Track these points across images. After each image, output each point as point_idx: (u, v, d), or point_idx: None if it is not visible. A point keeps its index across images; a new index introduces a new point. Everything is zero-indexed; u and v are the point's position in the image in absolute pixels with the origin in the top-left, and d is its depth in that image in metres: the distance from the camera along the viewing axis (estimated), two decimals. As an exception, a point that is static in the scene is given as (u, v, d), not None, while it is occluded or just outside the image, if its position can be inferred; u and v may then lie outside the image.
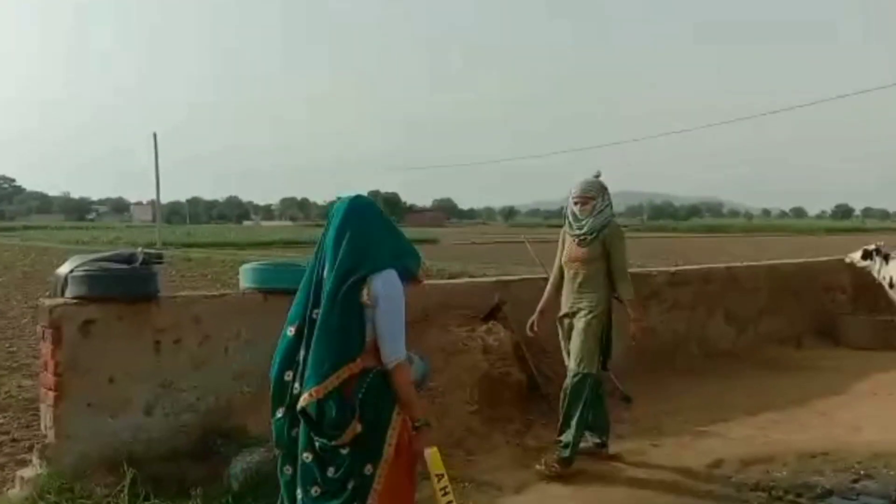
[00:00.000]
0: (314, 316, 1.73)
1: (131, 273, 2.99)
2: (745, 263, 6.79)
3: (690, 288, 5.55)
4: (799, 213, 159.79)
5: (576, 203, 3.25)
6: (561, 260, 3.35)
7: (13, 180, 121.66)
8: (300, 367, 1.72)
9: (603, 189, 3.25)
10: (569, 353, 3.27)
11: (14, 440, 3.65)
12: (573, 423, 3.13)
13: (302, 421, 1.72)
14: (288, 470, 1.80)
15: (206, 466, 2.92)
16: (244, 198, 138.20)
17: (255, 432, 3.10)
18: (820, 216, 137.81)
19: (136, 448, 2.91)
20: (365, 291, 1.69)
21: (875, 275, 5.79)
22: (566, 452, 3.12)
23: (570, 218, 3.28)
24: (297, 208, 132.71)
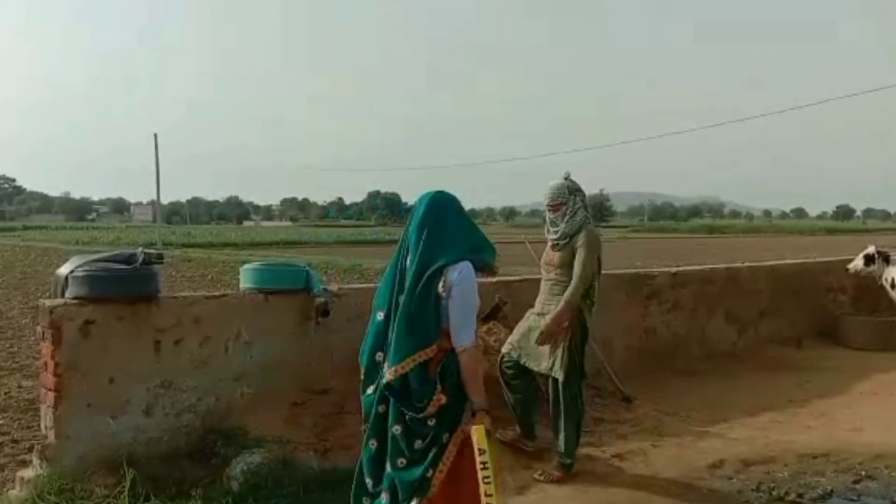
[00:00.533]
0: (399, 301, 1.89)
1: (131, 273, 2.98)
2: (745, 264, 6.78)
3: (691, 288, 5.54)
4: (800, 213, 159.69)
5: (548, 210, 3.25)
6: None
7: (13, 180, 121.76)
8: (388, 348, 1.89)
9: (574, 191, 3.19)
10: (519, 347, 3.28)
11: (14, 441, 3.65)
12: (562, 426, 3.12)
13: (391, 397, 1.88)
14: (373, 444, 1.96)
15: (206, 467, 2.92)
16: (244, 198, 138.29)
17: (255, 433, 3.10)
18: (821, 217, 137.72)
19: (136, 448, 2.91)
20: (441, 282, 1.84)
21: (877, 278, 5.79)
22: (567, 460, 3.12)
23: (547, 223, 3.30)
24: (297, 209, 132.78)
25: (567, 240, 3.16)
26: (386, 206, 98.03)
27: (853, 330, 6.12)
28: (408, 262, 1.91)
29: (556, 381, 3.12)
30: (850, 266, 6.08)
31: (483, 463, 1.83)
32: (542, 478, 3.08)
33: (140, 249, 3.16)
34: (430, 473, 1.87)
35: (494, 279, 4.77)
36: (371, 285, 3.96)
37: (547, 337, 3.11)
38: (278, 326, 3.37)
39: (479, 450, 1.83)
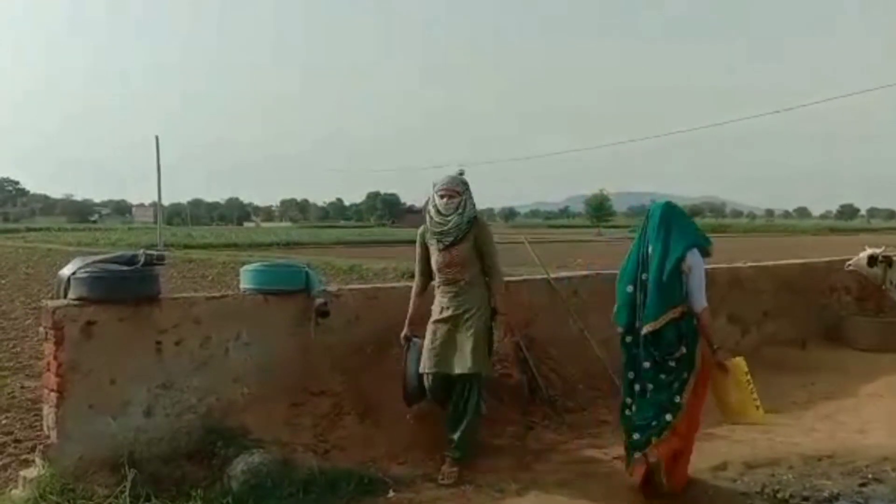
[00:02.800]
0: (643, 278, 2.81)
1: (133, 275, 2.99)
2: (748, 264, 6.75)
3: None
4: (803, 212, 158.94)
5: (442, 196, 3.06)
6: (431, 266, 3.15)
7: (17, 182, 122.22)
8: (640, 310, 2.80)
9: (468, 187, 3.12)
10: (438, 356, 3.09)
11: (17, 441, 3.65)
12: (466, 421, 3.09)
13: (643, 342, 2.78)
14: (631, 374, 2.91)
15: (206, 467, 2.92)
16: (245, 199, 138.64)
17: (255, 433, 3.10)
18: (824, 216, 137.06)
19: (137, 449, 2.91)
20: (684, 264, 2.74)
21: (880, 282, 5.72)
22: (457, 454, 3.07)
23: (433, 213, 3.09)
24: (297, 210, 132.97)
25: (463, 233, 3.06)
26: (385, 207, 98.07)
27: (858, 331, 6.07)
28: (650, 250, 2.80)
29: (473, 378, 3.08)
30: (851, 262, 6.01)
31: (748, 381, 2.82)
32: (444, 480, 2.97)
33: (141, 251, 3.16)
34: (677, 399, 2.77)
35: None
36: (371, 286, 3.95)
37: (507, 332, 3.32)
38: (278, 327, 3.37)
39: (745, 372, 2.83)
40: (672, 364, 2.78)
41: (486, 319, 3.12)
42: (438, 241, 3.10)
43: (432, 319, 3.15)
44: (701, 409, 2.89)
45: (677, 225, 2.83)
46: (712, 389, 2.89)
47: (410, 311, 3.27)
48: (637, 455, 2.83)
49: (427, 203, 3.17)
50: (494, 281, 3.16)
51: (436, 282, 3.19)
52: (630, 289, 2.85)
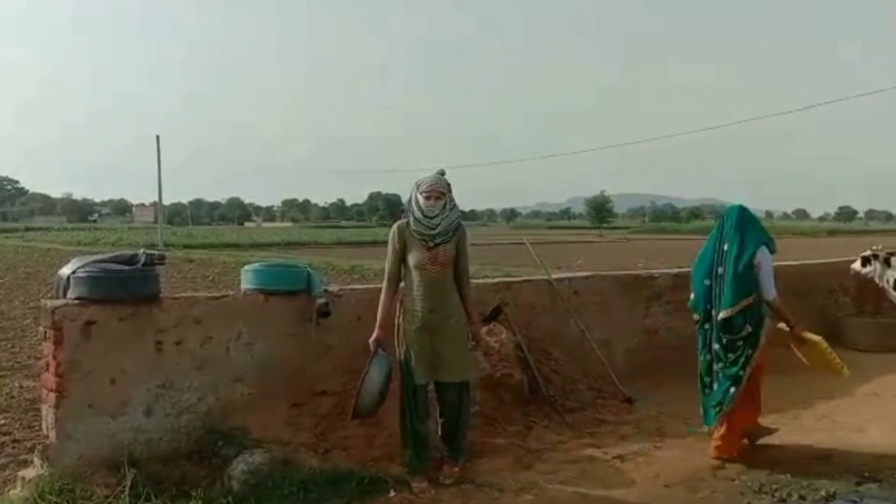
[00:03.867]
0: (719, 272, 3.30)
1: (133, 274, 2.99)
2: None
3: (693, 289, 5.53)
4: (801, 214, 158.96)
5: (427, 197, 2.97)
6: (409, 264, 3.01)
7: (16, 182, 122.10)
8: (716, 300, 3.31)
9: (451, 188, 3.05)
10: (432, 367, 3.01)
11: (16, 441, 3.65)
12: (464, 424, 3.10)
13: (717, 327, 3.31)
14: (707, 356, 3.41)
15: (206, 467, 2.92)
16: (246, 199, 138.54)
17: (255, 433, 3.10)
18: (823, 218, 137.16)
19: (136, 449, 2.91)
20: (755, 259, 3.22)
21: (877, 280, 5.74)
22: (457, 455, 3.09)
23: (418, 215, 2.99)
24: (297, 210, 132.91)
25: (450, 235, 3.01)
26: (387, 207, 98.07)
27: (856, 331, 6.08)
28: (725, 247, 3.31)
29: (465, 384, 3.09)
30: (852, 268, 6.03)
31: (827, 349, 3.40)
32: (445, 479, 2.97)
33: (142, 250, 3.16)
34: (741, 373, 3.27)
35: (495, 280, 4.75)
36: (371, 286, 3.96)
37: (480, 341, 3.34)
38: (279, 327, 3.37)
39: (821, 342, 3.41)
40: (739, 343, 3.27)
41: (465, 323, 3.10)
42: (426, 240, 3.00)
43: (415, 326, 3.00)
44: (760, 385, 3.38)
45: (750, 226, 3.33)
46: (800, 355, 3.50)
47: (383, 314, 3.07)
48: (714, 425, 3.35)
49: (409, 201, 3.06)
50: (466, 285, 3.11)
51: (410, 282, 3.03)
52: (707, 282, 3.35)
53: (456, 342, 3.05)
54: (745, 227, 3.32)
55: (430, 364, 3.03)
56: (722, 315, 3.26)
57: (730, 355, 3.31)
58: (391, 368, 3.03)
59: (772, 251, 3.33)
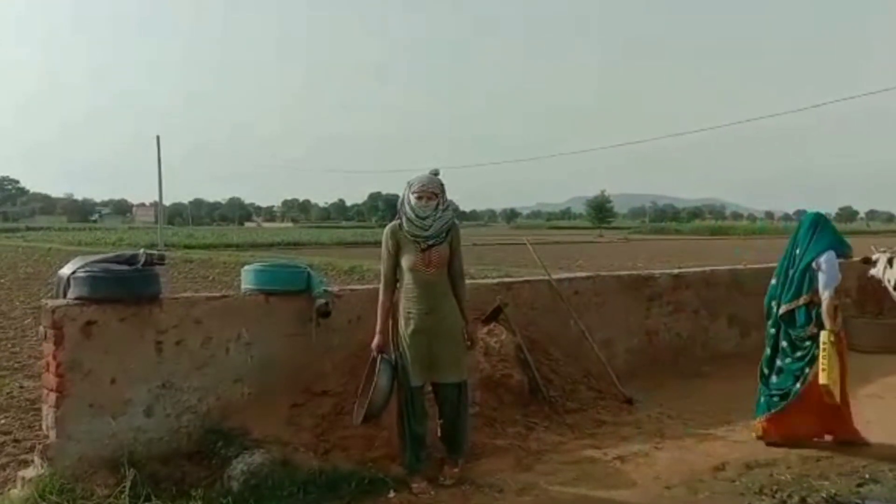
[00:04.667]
0: (789, 274, 3.57)
1: (133, 274, 2.99)
2: (748, 266, 6.75)
3: (693, 290, 5.52)
4: (802, 215, 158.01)
5: (420, 197, 2.93)
6: (403, 266, 2.98)
7: (17, 181, 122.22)
8: (780, 298, 3.60)
9: (444, 188, 3.01)
10: (429, 368, 2.99)
11: (16, 440, 3.66)
12: (463, 424, 3.10)
13: (783, 325, 3.56)
14: (768, 351, 3.64)
15: (207, 467, 2.92)
16: (246, 199, 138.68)
17: (255, 433, 3.10)
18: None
19: (136, 449, 2.91)
20: (815, 262, 3.46)
21: (881, 277, 5.73)
22: (457, 455, 3.08)
23: (411, 216, 2.94)
24: (298, 210, 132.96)
25: (444, 236, 2.98)
26: (387, 207, 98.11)
27: (857, 332, 6.04)
28: (797, 251, 3.57)
29: (462, 384, 3.08)
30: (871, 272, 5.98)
31: (824, 348, 3.39)
32: (446, 480, 2.97)
33: (142, 251, 3.16)
34: (807, 370, 3.45)
35: (496, 281, 4.73)
36: (371, 286, 3.96)
37: (476, 341, 3.33)
38: (279, 327, 3.37)
39: (826, 340, 3.38)
40: (807, 343, 3.46)
41: (461, 323, 3.09)
42: (419, 241, 2.96)
43: (411, 329, 2.97)
44: (846, 392, 3.51)
45: (820, 231, 3.57)
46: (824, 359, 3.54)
47: (383, 319, 3.03)
48: (768, 415, 3.55)
49: (402, 201, 3.02)
50: (461, 285, 3.10)
51: (405, 284, 3.00)
52: (774, 282, 3.65)
53: (452, 343, 3.04)
54: (816, 232, 3.56)
55: (427, 365, 3.02)
56: (781, 310, 3.54)
57: (797, 353, 3.50)
58: (394, 372, 3.02)
59: (842, 256, 3.52)
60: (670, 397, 4.39)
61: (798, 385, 3.46)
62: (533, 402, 3.88)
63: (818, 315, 3.42)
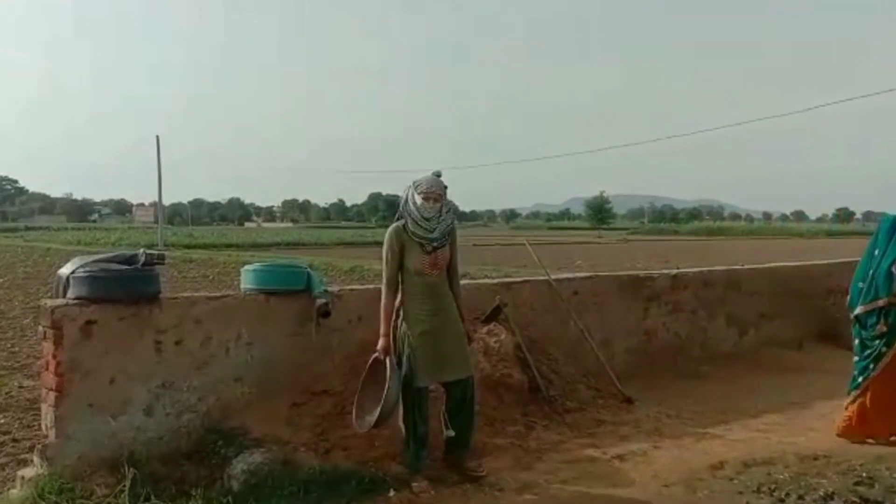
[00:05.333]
0: (872, 275, 3.62)
1: (133, 274, 2.99)
2: (746, 266, 6.77)
3: (691, 291, 5.54)
4: (800, 216, 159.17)
5: (427, 198, 2.92)
6: (409, 269, 2.97)
7: (16, 181, 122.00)
8: (859, 299, 3.67)
9: (446, 190, 3.02)
10: (438, 368, 2.99)
11: (15, 440, 3.66)
12: (472, 420, 3.11)
13: (857, 324, 3.69)
14: (857, 343, 3.76)
15: (206, 467, 2.92)
16: (246, 199, 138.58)
17: (255, 433, 3.10)
18: (821, 219, 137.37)
19: (136, 448, 2.91)
20: (894, 266, 3.54)
21: None
22: (465, 449, 3.10)
23: (416, 216, 2.94)
24: (298, 210, 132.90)
25: (445, 238, 3.01)
26: (387, 208, 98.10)
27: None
28: (876, 252, 3.66)
29: (470, 380, 3.09)
30: None
31: None
32: (474, 472, 2.99)
33: (141, 250, 3.17)
34: (871, 366, 3.59)
35: (495, 281, 4.74)
36: (371, 287, 3.96)
37: (472, 338, 3.39)
38: (279, 327, 3.38)
39: None
40: (875, 342, 3.58)
41: (460, 321, 3.12)
42: (424, 244, 2.97)
43: (420, 330, 2.97)
44: None
45: None
46: None
47: (387, 322, 3.01)
48: (852, 394, 3.69)
49: (406, 202, 3.00)
50: (457, 284, 3.13)
51: (410, 286, 3.00)
52: (861, 284, 3.70)
53: (457, 340, 3.07)
54: (894, 235, 3.66)
55: (434, 366, 3.02)
56: (857, 311, 3.65)
57: (867, 352, 3.62)
58: (401, 374, 3.02)
59: None
60: (669, 396, 4.40)
61: (861, 378, 3.60)
62: (532, 402, 3.89)
63: (892, 315, 3.50)
